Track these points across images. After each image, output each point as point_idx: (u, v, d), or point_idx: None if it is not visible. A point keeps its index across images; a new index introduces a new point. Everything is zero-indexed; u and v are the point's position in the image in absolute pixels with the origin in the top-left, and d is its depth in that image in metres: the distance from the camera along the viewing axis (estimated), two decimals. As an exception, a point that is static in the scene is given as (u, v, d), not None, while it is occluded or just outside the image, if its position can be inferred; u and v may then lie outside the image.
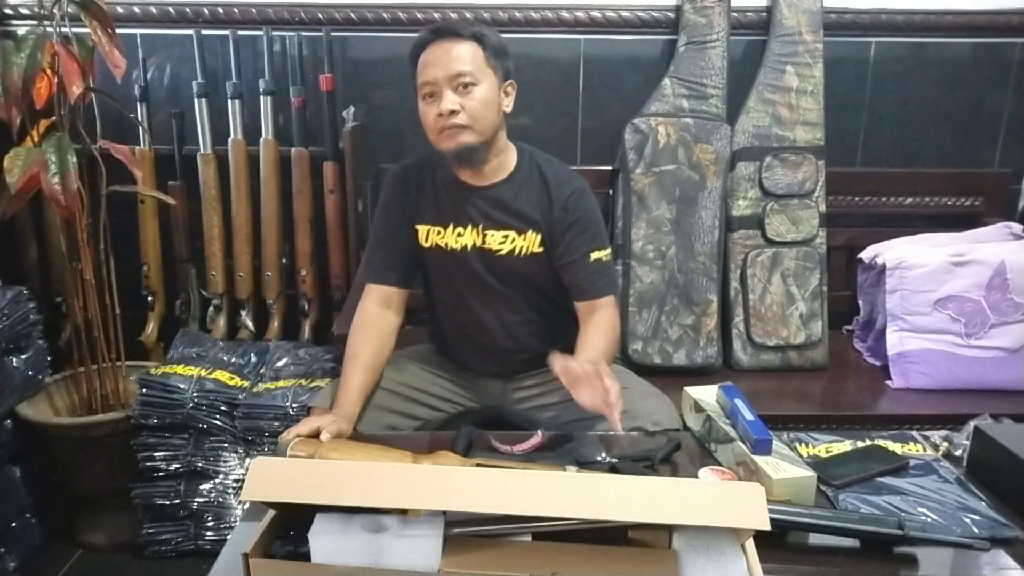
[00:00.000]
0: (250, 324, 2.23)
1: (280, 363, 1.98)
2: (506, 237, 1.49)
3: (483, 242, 1.50)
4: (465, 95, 1.40)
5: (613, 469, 1.20)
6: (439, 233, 1.52)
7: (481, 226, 1.50)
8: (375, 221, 1.60)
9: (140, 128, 2.10)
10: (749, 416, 1.22)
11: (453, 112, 1.39)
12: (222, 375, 1.89)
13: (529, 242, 1.49)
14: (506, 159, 1.51)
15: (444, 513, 0.88)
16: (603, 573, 0.85)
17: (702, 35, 2.02)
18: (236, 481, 1.86)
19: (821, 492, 1.15)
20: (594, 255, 1.48)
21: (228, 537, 1.10)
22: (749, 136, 2.02)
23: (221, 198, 2.16)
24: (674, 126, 1.99)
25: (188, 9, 2.09)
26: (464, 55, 1.40)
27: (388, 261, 1.55)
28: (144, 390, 1.83)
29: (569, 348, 1.63)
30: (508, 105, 1.48)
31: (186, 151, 2.16)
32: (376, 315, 1.52)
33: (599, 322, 1.47)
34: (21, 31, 1.96)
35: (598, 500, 0.83)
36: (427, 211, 1.53)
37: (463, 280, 1.54)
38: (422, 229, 1.53)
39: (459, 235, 1.51)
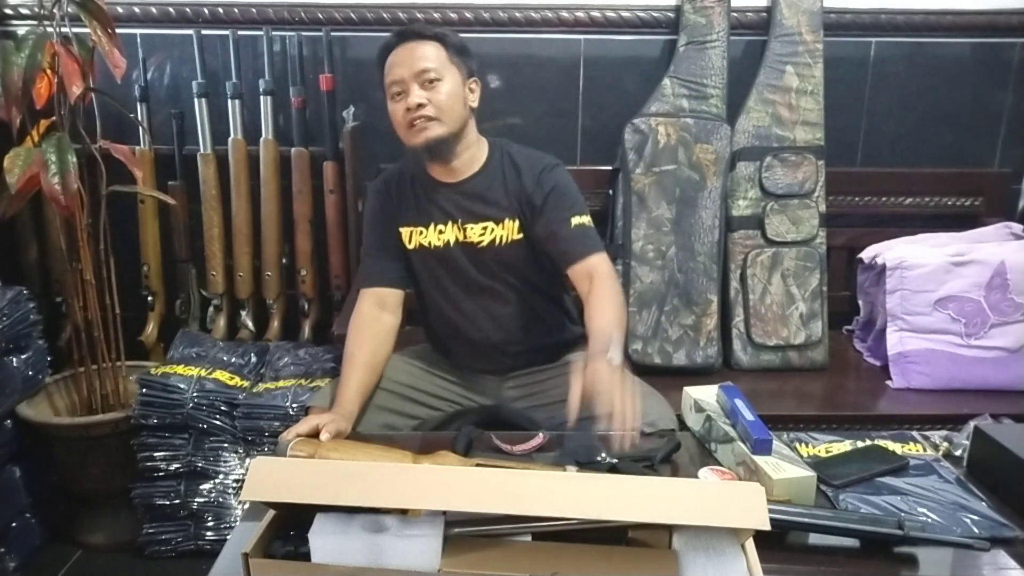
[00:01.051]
0: (250, 324, 2.23)
1: (280, 363, 1.98)
2: (485, 228, 1.52)
3: (464, 236, 1.52)
4: (431, 90, 1.45)
5: (613, 469, 1.20)
6: (421, 233, 1.55)
7: (460, 220, 1.52)
8: (364, 230, 1.63)
9: (140, 128, 2.10)
10: (749, 416, 1.22)
11: (420, 105, 1.44)
12: (222, 375, 1.89)
13: (508, 230, 1.52)
14: (477, 152, 1.55)
15: (444, 513, 0.88)
16: (603, 573, 0.85)
17: (702, 35, 2.02)
18: (236, 481, 1.86)
19: (821, 492, 1.15)
20: (575, 220, 1.48)
21: (228, 537, 1.10)
22: (749, 136, 2.02)
23: (221, 198, 2.16)
24: (674, 126, 1.99)
25: (188, 9, 2.09)
26: (428, 54, 1.46)
27: (379, 266, 1.58)
28: (144, 390, 1.83)
29: (560, 341, 1.64)
30: (474, 101, 1.54)
31: (186, 151, 2.16)
32: (371, 316, 1.54)
33: (600, 287, 1.42)
34: (21, 31, 1.96)
35: (598, 500, 0.83)
36: (408, 213, 1.56)
37: (450, 276, 1.56)
38: (405, 231, 1.56)
39: (440, 232, 1.54)
